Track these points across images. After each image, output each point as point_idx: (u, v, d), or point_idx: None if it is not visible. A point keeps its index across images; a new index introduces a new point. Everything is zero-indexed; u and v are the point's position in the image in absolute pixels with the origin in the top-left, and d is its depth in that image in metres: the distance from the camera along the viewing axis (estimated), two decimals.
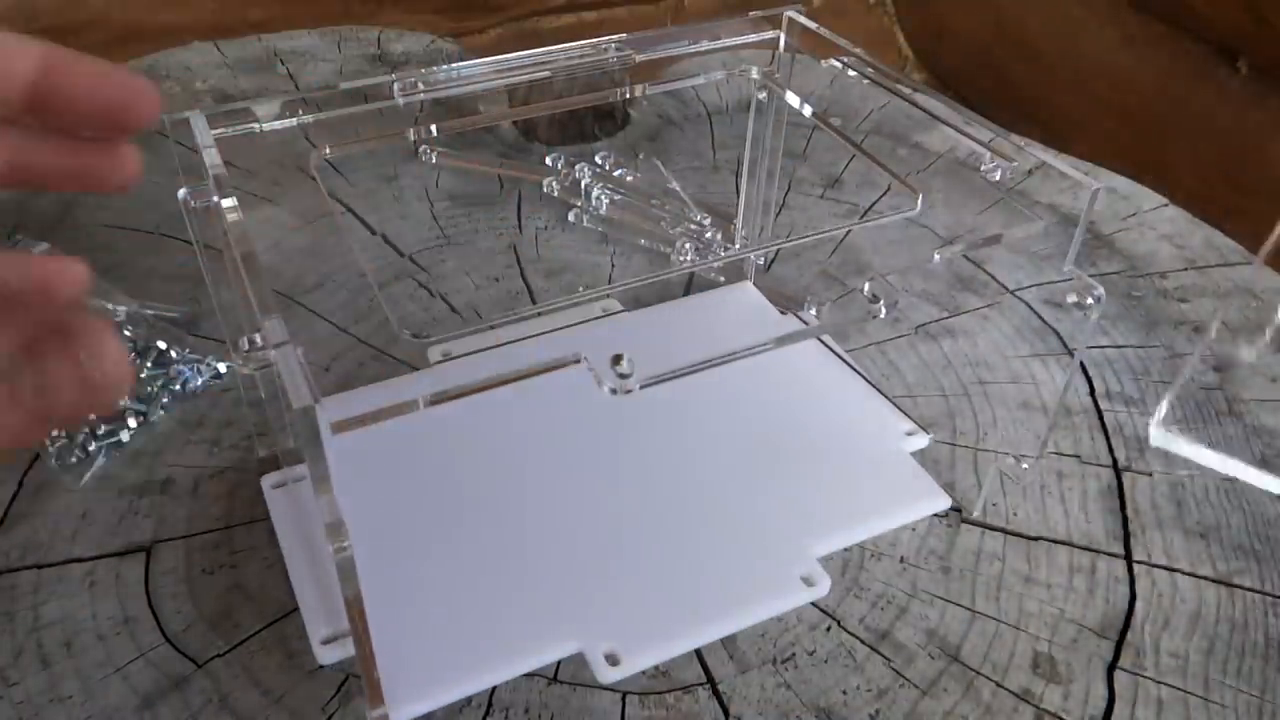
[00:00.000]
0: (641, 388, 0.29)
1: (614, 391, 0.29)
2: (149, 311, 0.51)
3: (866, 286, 0.35)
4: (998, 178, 0.38)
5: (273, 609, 0.39)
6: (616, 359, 0.29)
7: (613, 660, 0.36)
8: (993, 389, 0.49)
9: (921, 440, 0.46)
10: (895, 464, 0.44)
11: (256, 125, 0.37)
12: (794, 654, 0.38)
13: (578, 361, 0.29)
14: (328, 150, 0.40)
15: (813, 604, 0.40)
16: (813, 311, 0.53)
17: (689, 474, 0.44)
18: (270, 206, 0.61)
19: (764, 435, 0.45)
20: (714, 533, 0.41)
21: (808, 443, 0.45)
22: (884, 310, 0.34)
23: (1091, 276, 0.36)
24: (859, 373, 0.49)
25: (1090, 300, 0.36)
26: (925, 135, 0.69)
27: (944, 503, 0.43)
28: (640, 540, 0.41)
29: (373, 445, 0.43)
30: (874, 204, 0.63)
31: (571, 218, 0.60)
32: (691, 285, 0.56)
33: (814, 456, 0.44)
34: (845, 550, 0.42)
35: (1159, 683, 0.38)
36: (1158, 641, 0.39)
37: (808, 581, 0.39)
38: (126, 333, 0.49)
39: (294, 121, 0.38)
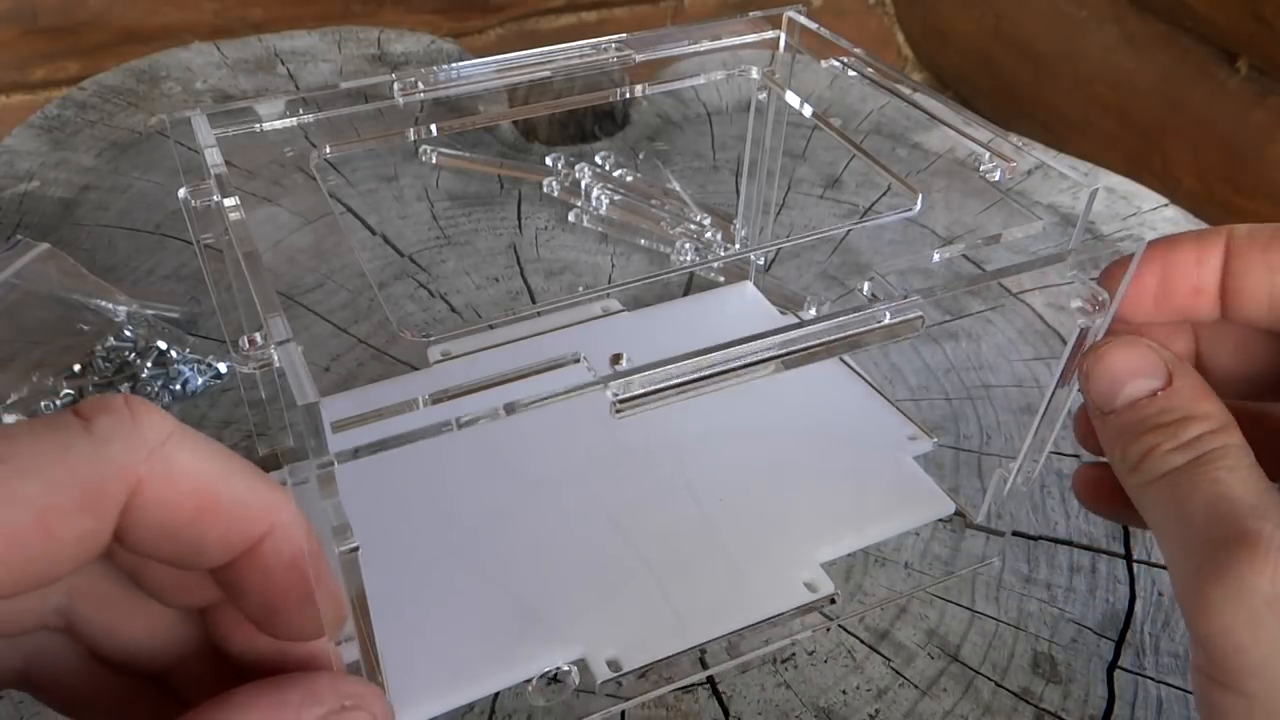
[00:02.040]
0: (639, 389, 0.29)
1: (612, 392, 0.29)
2: (149, 311, 0.51)
3: (866, 287, 0.35)
4: (997, 178, 0.38)
5: None
6: (616, 358, 0.29)
7: (615, 667, 0.36)
8: (996, 392, 0.49)
9: (925, 445, 0.46)
10: (899, 469, 0.44)
11: (257, 125, 0.37)
12: (794, 654, 0.38)
13: (577, 361, 0.29)
14: (328, 150, 0.40)
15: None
16: (812, 311, 0.53)
17: (692, 477, 0.44)
18: (270, 206, 0.61)
19: (766, 439, 0.45)
20: (717, 537, 0.41)
21: (810, 447, 0.45)
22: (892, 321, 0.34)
23: (1092, 278, 0.36)
24: (862, 376, 0.49)
25: (1094, 306, 0.36)
26: (925, 135, 0.69)
27: (948, 508, 0.42)
28: (642, 545, 0.41)
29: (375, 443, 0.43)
30: (874, 204, 0.63)
31: (571, 218, 0.60)
32: (691, 285, 0.56)
33: (817, 461, 0.44)
34: (849, 555, 0.42)
35: (1159, 682, 0.38)
36: (1158, 642, 0.39)
37: (811, 588, 0.39)
38: (126, 333, 0.49)
39: (294, 121, 0.38)
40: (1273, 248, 0.28)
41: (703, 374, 0.29)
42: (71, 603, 0.22)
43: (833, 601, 0.38)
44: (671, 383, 0.29)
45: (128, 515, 0.19)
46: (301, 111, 0.38)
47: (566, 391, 0.28)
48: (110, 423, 0.19)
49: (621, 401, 0.28)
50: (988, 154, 0.37)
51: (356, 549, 0.26)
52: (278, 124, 0.38)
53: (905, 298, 0.31)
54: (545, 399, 0.28)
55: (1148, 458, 0.27)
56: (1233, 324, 0.30)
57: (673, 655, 0.37)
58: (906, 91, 0.41)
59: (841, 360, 0.49)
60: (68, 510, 0.18)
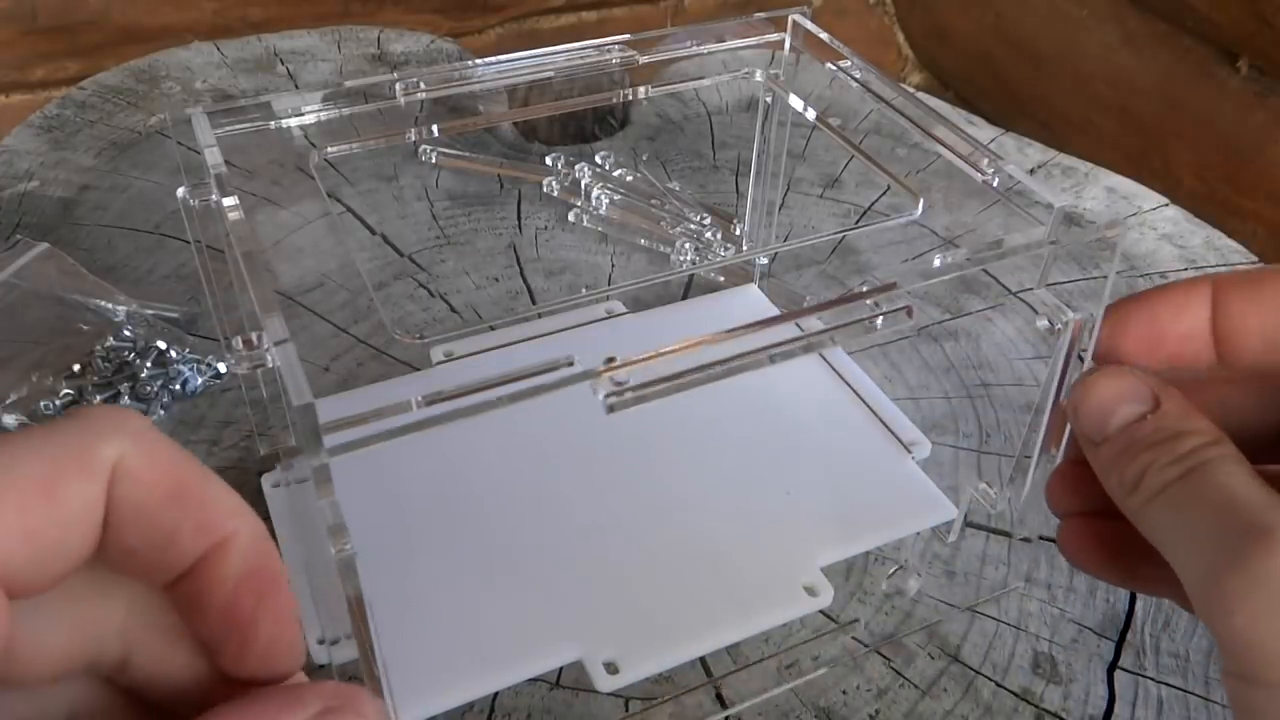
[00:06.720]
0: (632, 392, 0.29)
1: (605, 395, 0.29)
2: (149, 311, 0.51)
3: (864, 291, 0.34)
4: (995, 185, 0.38)
5: None
6: (609, 362, 0.29)
7: (612, 669, 0.36)
8: (995, 391, 0.49)
9: (924, 445, 0.45)
10: (899, 471, 0.44)
11: (258, 124, 0.37)
12: (794, 655, 0.38)
13: (570, 364, 0.29)
14: (328, 150, 0.40)
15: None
16: None
17: (691, 480, 0.43)
18: (270, 206, 0.61)
19: (766, 441, 0.45)
20: (716, 540, 0.41)
21: (810, 448, 0.45)
22: (882, 319, 0.34)
23: (1090, 278, 0.36)
24: (862, 376, 0.49)
25: (1060, 325, 0.36)
26: (924, 135, 0.69)
27: (949, 513, 0.42)
28: (642, 547, 0.41)
29: (374, 446, 0.43)
30: (873, 203, 0.63)
31: (571, 218, 0.60)
32: (691, 285, 0.56)
33: (817, 463, 0.44)
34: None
35: (1159, 683, 0.38)
36: (1158, 642, 0.39)
37: (811, 591, 0.39)
38: (126, 333, 0.49)
39: (294, 121, 0.38)
40: (1258, 286, 0.29)
41: (694, 366, 0.29)
42: (126, 645, 0.23)
43: (843, 625, 0.38)
44: (663, 374, 0.29)
45: (112, 489, 0.21)
46: (302, 111, 0.38)
47: (556, 384, 0.28)
48: (91, 410, 0.21)
49: (612, 394, 0.28)
50: (984, 159, 0.38)
51: (350, 552, 0.26)
52: (278, 123, 0.38)
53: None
54: (524, 375, 0.28)
55: (1145, 476, 0.27)
56: (1228, 376, 0.30)
57: (670, 659, 0.37)
58: (901, 103, 0.41)
59: (840, 361, 0.49)
60: (68, 476, 0.20)
